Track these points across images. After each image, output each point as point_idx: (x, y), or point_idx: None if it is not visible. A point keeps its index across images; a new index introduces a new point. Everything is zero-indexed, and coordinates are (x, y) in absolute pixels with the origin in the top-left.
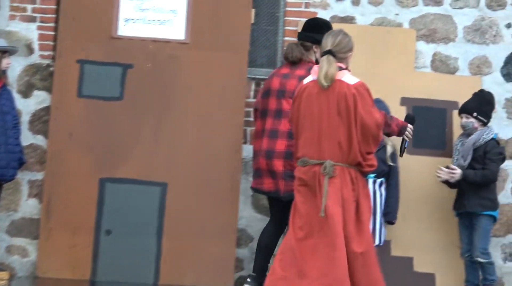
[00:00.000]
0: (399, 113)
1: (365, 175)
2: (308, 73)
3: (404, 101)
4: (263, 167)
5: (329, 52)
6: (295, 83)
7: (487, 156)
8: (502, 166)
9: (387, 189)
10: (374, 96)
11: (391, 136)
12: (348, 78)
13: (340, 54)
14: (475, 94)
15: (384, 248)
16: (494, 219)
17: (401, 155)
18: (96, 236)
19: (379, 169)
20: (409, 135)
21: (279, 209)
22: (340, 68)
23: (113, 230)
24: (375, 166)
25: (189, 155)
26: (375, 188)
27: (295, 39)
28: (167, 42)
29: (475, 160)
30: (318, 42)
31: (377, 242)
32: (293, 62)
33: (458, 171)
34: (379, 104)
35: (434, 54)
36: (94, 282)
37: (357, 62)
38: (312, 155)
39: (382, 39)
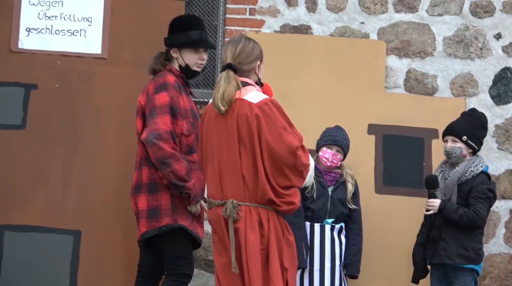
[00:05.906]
0: (367, 143)
1: (284, 215)
2: (155, 83)
3: (372, 128)
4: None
5: (228, 67)
6: (142, 97)
7: (472, 193)
8: (493, 207)
9: (347, 236)
10: (337, 122)
11: None
12: (253, 95)
13: (244, 66)
14: (465, 114)
15: None
16: (477, 274)
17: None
18: None
19: (338, 211)
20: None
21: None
22: (246, 84)
23: None
24: (296, 203)
25: (108, 196)
26: (333, 235)
27: None
28: (79, 57)
29: (461, 199)
30: (172, 45)
31: None
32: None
33: (437, 201)
34: (339, 131)
35: (408, 72)
36: None
37: (314, 82)
38: (214, 195)
39: (344, 53)
